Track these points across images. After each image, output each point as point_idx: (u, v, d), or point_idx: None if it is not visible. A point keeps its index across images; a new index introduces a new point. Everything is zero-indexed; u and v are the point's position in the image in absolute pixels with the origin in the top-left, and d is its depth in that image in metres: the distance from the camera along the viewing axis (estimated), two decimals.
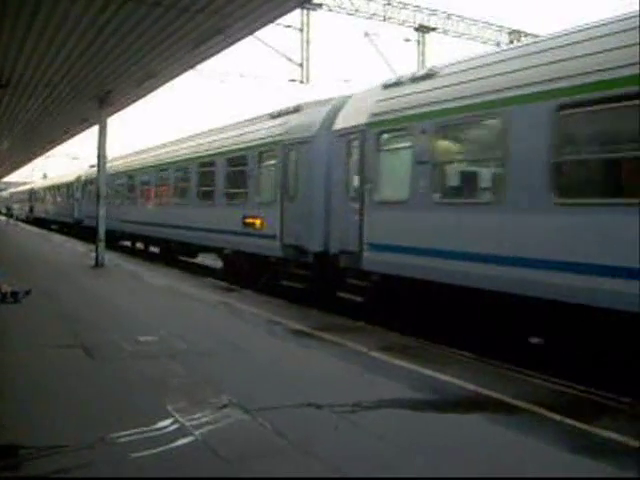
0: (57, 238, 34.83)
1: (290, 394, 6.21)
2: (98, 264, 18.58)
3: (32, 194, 60.70)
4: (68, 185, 39.65)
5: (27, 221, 59.44)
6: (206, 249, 19.92)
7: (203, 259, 23.11)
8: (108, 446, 4.82)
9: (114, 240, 27.02)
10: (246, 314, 11.06)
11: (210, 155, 18.17)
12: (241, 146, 16.13)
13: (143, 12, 10.98)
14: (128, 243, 28.60)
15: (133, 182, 26.31)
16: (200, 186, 18.86)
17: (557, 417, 5.71)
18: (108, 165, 28.92)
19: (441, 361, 7.86)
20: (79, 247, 27.28)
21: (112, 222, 26.67)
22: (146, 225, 23.48)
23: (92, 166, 31.98)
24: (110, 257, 20.06)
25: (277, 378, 6.95)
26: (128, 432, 5.02)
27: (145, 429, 5.12)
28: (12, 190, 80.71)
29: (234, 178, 16.67)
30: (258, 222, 14.61)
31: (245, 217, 15.22)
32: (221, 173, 17.17)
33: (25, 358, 7.62)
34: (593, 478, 4.53)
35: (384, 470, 4.55)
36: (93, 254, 19.32)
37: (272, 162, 14.51)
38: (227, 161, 16.84)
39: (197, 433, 5.09)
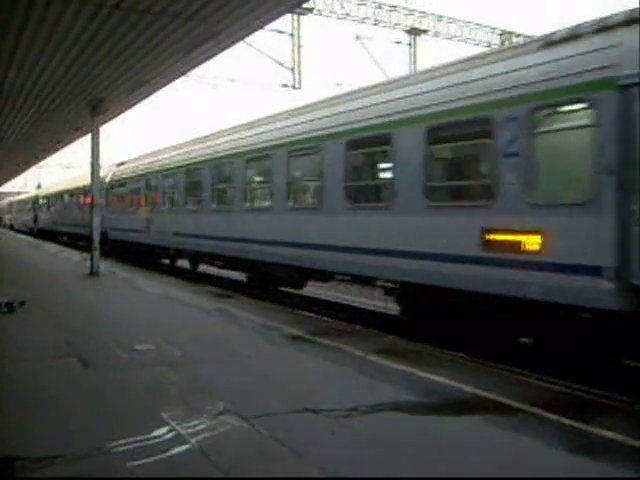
0: (51, 247, 34.71)
1: (287, 400, 6.19)
2: (93, 272, 18.52)
3: (36, 202, 53.70)
4: (86, 189, 31.62)
5: (30, 233, 53.26)
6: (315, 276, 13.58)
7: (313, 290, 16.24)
8: (105, 455, 4.80)
9: (149, 257, 23.12)
10: (242, 320, 11.03)
11: (378, 127, 10.73)
12: (470, 103, 9.01)
13: (133, 20, 10.97)
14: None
15: (197, 180, 18.27)
16: (350, 180, 11.57)
17: (554, 417, 5.70)
18: (148, 160, 23.54)
19: (437, 363, 7.85)
20: (75, 256, 27.14)
21: (159, 235, 20.94)
22: (223, 241, 15.99)
23: (121, 164, 27.78)
24: (105, 265, 19.99)
25: (274, 384, 6.92)
26: (124, 441, 5.00)
27: (141, 438, 5.10)
28: (10, 199, 76.51)
29: (447, 162, 10.33)
30: (535, 241, 7.99)
31: (487, 230, 8.59)
32: (409, 155, 10.05)
33: (20, 369, 7.57)
34: (594, 478, 4.52)
35: (383, 474, 4.53)
36: (88, 262, 19.25)
37: (575, 124, 7.99)
38: (428, 133, 9.69)
39: (193, 441, 5.07)
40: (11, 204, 75.16)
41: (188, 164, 19.17)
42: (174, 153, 21.08)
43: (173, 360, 7.92)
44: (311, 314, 12.42)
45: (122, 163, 27.50)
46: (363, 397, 6.32)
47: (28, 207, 59.11)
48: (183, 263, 21.58)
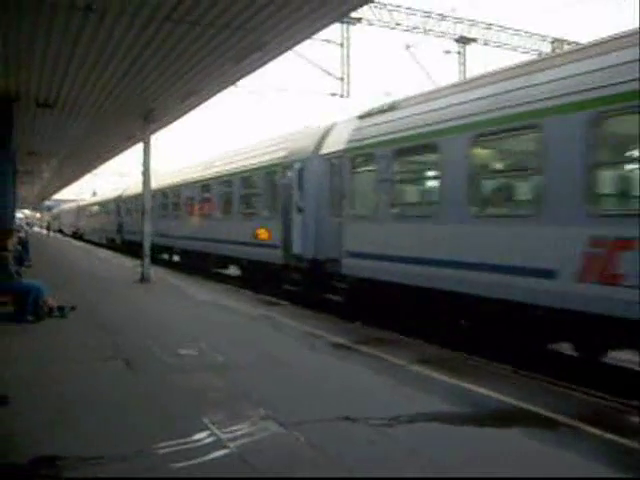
0: (103, 253, 35.45)
1: (327, 408, 6.21)
2: (144, 279, 18.87)
3: (122, 204, 38.78)
4: (250, 176, 19.00)
5: (111, 247, 40.19)
6: None
7: None
8: (146, 457, 4.90)
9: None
10: (287, 328, 11.10)
11: None
12: None
13: (183, 31, 11.20)
14: None
15: None
16: None
17: (598, 432, 5.59)
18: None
19: (479, 374, 7.77)
20: (127, 262, 27.63)
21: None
22: None
23: (366, 115, 13.27)
24: (155, 271, 20.32)
25: (315, 392, 6.96)
26: (166, 444, 5.10)
27: (182, 441, 5.19)
28: (77, 203, 65.20)
29: None
30: None
31: None
32: None
33: (69, 370, 7.79)
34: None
35: None
36: (139, 269, 19.62)
37: None
38: None
39: (232, 446, 5.14)
40: (79, 208, 62.30)
41: None
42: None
43: (216, 366, 8.04)
44: (355, 322, 12.37)
45: (373, 112, 13.04)
46: (403, 407, 6.30)
47: (106, 211, 45.11)
48: None
